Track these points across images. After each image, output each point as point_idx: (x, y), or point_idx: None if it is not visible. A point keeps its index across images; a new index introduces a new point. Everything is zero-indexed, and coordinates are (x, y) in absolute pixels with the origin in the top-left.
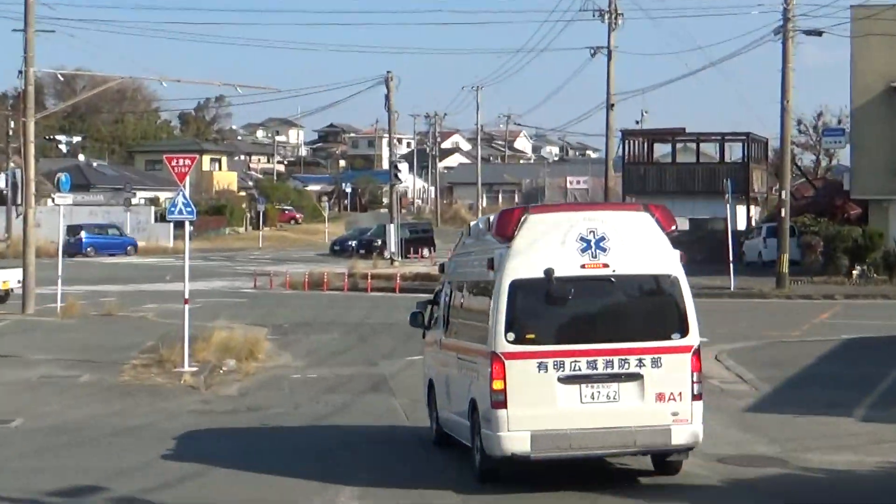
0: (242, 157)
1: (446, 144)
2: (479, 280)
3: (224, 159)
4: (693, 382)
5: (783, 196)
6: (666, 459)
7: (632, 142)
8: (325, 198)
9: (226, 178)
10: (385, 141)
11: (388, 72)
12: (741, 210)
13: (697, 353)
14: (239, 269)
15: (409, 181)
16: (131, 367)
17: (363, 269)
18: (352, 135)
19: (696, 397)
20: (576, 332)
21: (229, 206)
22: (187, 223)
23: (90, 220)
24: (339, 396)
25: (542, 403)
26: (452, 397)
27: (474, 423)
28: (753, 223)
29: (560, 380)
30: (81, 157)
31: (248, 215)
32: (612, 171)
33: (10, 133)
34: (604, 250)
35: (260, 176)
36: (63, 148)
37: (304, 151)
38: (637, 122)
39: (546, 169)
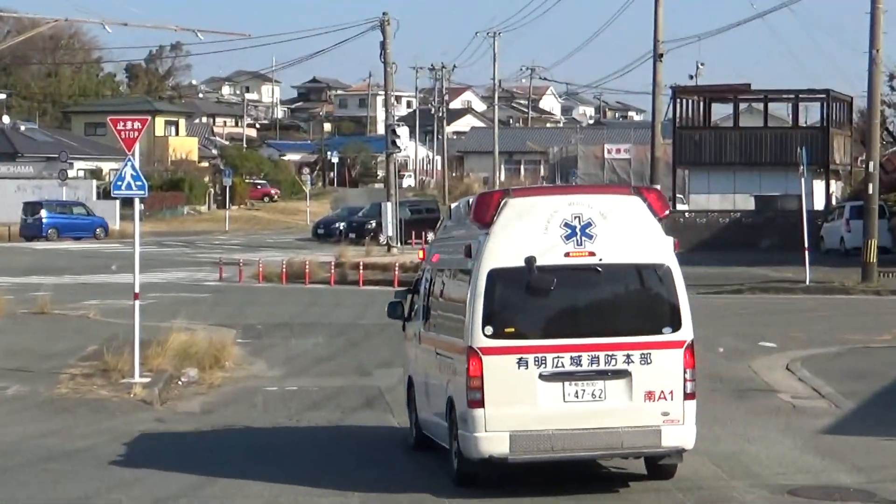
0: (205, 120)
1: (455, 104)
2: (458, 268)
3: (182, 122)
4: (686, 380)
5: (871, 168)
6: (659, 463)
7: (684, 101)
8: (306, 170)
9: (184, 145)
10: (380, 100)
11: (384, 13)
12: (819, 186)
13: (691, 349)
14: (201, 257)
15: (410, 149)
16: (69, 377)
17: (354, 257)
18: (339, 92)
19: (688, 396)
20: (559, 326)
21: (189, 180)
22: (137, 201)
23: (18, 196)
24: (324, 413)
25: (523, 402)
26: (431, 397)
27: (452, 423)
28: (834, 202)
29: (542, 377)
30: (6, 119)
31: (212, 191)
32: (659, 137)
33: None
34: (590, 237)
35: (226, 142)
36: None
37: (280, 112)
38: (691, 78)
39: (578, 134)
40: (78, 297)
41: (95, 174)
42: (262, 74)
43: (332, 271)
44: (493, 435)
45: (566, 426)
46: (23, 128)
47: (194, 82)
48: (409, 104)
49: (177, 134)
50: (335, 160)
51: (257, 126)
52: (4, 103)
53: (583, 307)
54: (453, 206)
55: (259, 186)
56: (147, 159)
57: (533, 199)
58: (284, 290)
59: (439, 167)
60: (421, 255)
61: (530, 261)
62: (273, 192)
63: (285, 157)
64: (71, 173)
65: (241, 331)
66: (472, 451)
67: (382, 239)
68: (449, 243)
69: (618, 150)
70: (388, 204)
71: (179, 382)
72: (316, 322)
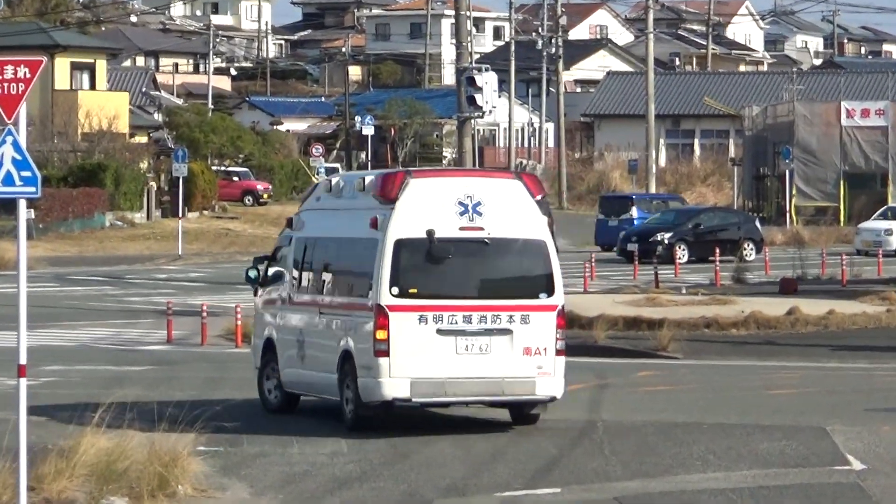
0: (141, 62)
1: (580, 31)
2: (357, 237)
3: (102, 65)
4: (557, 339)
5: None
6: (528, 412)
7: None
8: (318, 147)
9: (106, 107)
10: (447, 25)
11: None
12: None
13: (562, 313)
14: (135, 302)
15: (501, 111)
16: None
17: None
18: (375, 12)
19: (559, 352)
20: (454, 289)
21: (113, 168)
22: (23, 204)
23: None
24: None
25: (422, 353)
26: (310, 353)
27: (345, 374)
28: None
29: (438, 332)
30: None
31: (154, 186)
32: None
33: None
34: (480, 214)
35: (178, 101)
36: None
37: (273, 49)
38: None
39: (795, 84)
40: None
41: None
42: None
43: None
44: (396, 381)
45: (458, 374)
46: None
47: None
48: (497, 33)
49: (93, 87)
50: (368, 131)
51: (233, 72)
52: None
53: (474, 274)
54: (333, 180)
55: (236, 178)
56: (41, 131)
57: (431, 179)
58: None
59: (551, 143)
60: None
61: (430, 233)
62: (261, 186)
63: (282, 126)
64: None
65: (206, 431)
66: (377, 395)
67: None
68: (336, 215)
69: (864, 113)
70: None
71: None
72: (334, 411)
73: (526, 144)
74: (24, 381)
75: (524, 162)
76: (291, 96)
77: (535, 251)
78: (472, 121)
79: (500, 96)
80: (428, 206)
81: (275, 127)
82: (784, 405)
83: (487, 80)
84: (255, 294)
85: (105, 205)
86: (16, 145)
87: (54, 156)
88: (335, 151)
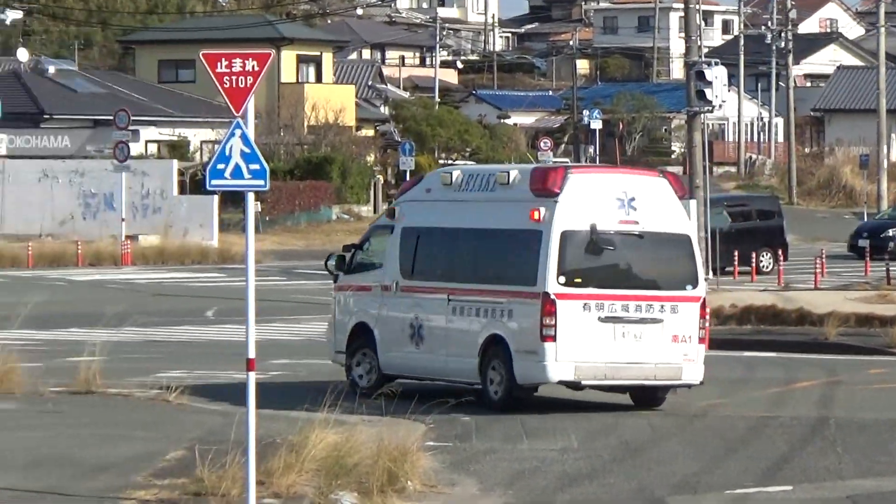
0: (367, 55)
1: (809, 25)
2: (509, 228)
3: (328, 58)
4: (699, 328)
5: None
6: (659, 395)
7: None
8: (546, 141)
9: (333, 100)
10: (674, 18)
11: None
12: None
13: (704, 303)
14: None
15: (730, 105)
16: None
17: None
18: (602, 5)
19: (701, 340)
20: (613, 279)
21: (340, 161)
22: (251, 197)
23: (42, 189)
24: None
25: (585, 339)
26: (433, 338)
27: (490, 358)
28: None
29: (599, 319)
30: (23, 55)
31: (381, 179)
32: None
33: None
34: (634, 209)
35: (404, 94)
36: None
37: (499, 42)
38: None
39: None
40: (148, 364)
41: (177, 150)
42: None
43: None
44: (562, 364)
45: (616, 360)
46: (51, 69)
47: None
48: (726, 26)
49: (319, 80)
50: (596, 125)
51: (459, 65)
52: (23, 27)
53: (630, 265)
54: (453, 173)
55: None
56: (268, 124)
57: (589, 175)
58: None
59: (780, 138)
60: (395, 215)
61: (593, 225)
62: None
63: (509, 120)
64: (136, 148)
65: (435, 426)
66: (540, 377)
67: None
68: (468, 207)
69: None
70: (692, 203)
71: None
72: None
73: (755, 139)
74: (252, 375)
75: (753, 157)
76: (518, 90)
77: (683, 245)
78: (702, 115)
79: (729, 90)
80: (588, 200)
81: (502, 120)
82: None
83: (717, 74)
84: (336, 281)
85: (331, 198)
86: (244, 138)
87: (280, 149)
88: (563, 146)
